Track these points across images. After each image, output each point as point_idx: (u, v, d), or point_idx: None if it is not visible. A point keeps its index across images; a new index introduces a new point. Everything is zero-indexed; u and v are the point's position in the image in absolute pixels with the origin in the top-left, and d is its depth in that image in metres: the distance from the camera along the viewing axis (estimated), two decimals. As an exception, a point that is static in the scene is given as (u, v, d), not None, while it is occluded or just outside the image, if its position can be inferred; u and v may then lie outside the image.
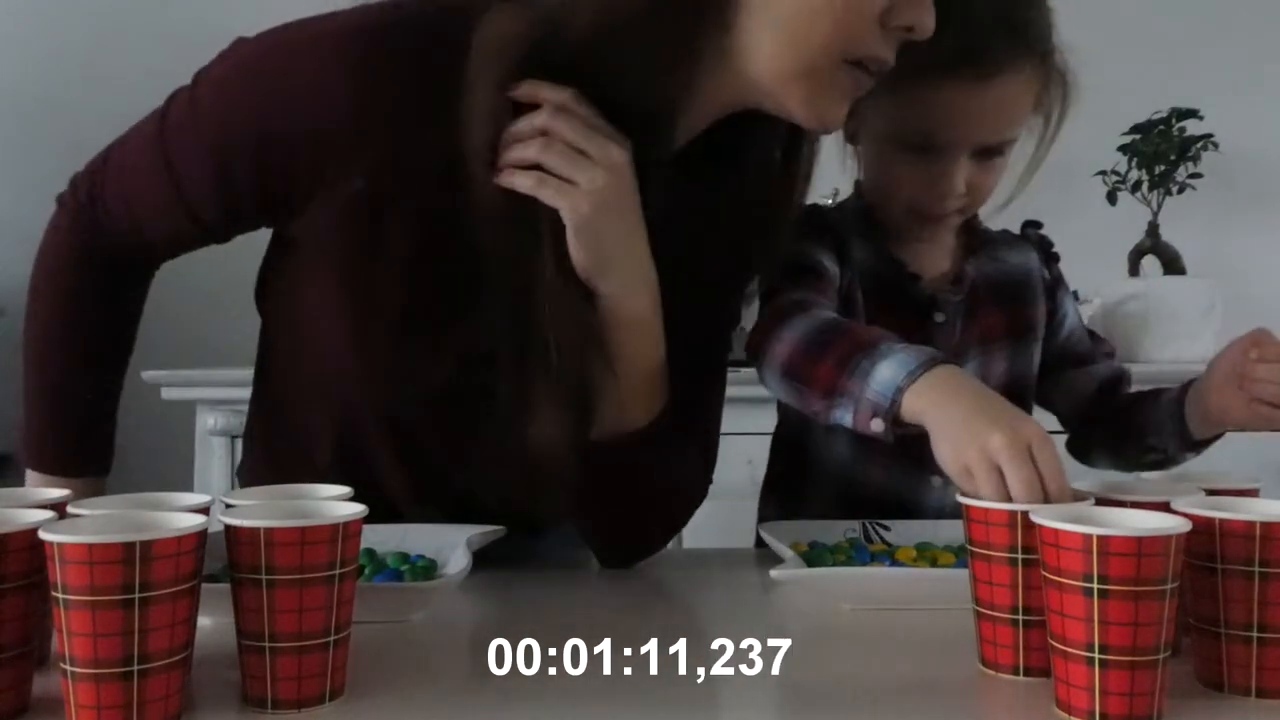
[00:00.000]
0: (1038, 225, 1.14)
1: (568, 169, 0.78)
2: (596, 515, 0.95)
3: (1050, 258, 1.13)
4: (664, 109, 0.82)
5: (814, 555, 0.91)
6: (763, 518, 1.11)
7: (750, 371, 0.92)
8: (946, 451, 0.74)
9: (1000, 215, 1.08)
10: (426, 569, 0.86)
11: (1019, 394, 1.09)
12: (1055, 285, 1.12)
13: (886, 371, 0.78)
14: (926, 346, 0.81)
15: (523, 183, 0.79)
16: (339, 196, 0.82)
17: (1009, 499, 0.69)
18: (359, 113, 0.80)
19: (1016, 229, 1.14)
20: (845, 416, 0.81)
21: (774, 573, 0.81)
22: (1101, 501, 0.68)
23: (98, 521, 0.59)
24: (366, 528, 0.64)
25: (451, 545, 0.88)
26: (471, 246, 0.82)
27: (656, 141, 0.83)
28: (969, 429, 0.72)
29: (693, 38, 0.80)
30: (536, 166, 0.79)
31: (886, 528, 0.98)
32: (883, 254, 1.05)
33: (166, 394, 1.87)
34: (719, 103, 0.86)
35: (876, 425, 0.78)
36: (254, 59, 0.84)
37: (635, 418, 0.88)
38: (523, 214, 0.80)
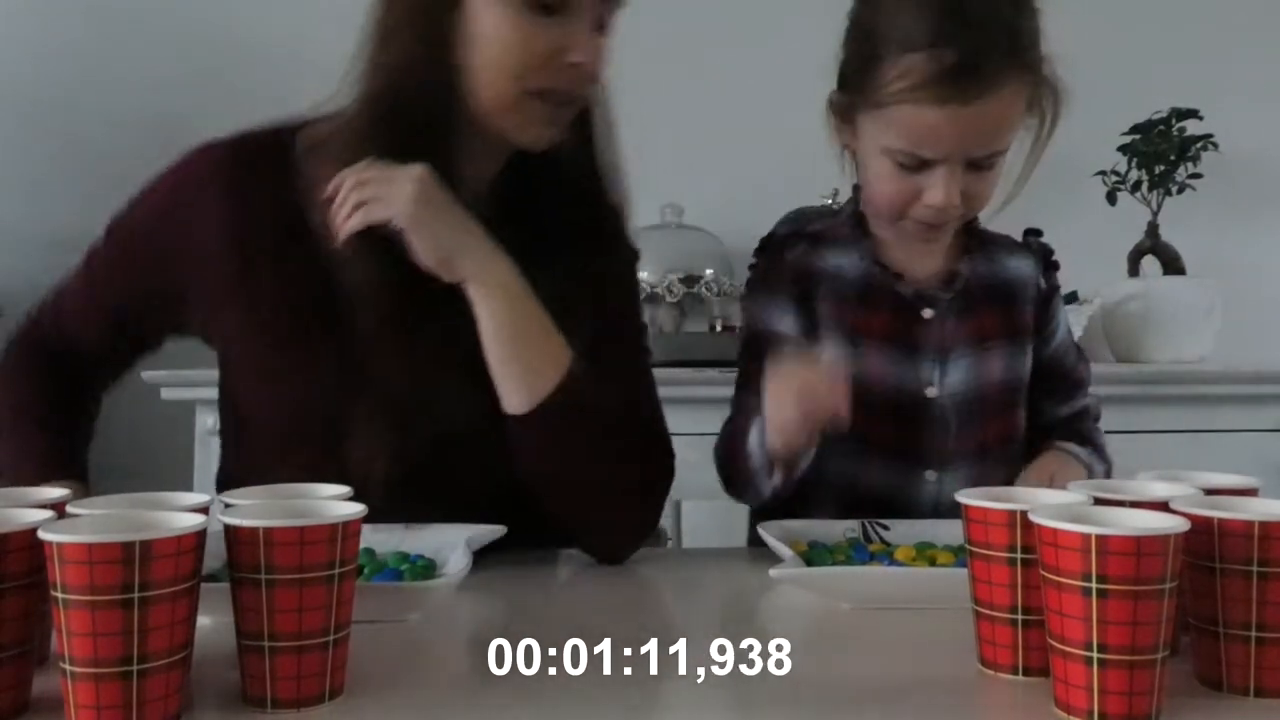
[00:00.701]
0: (1039, 233, 1.14)
1: (381, 191, 0.92)
2: (554, 497, 0.97)
3: (1050, 266, 1.13)
4: (449, 154, 0.95)
5: (813, 555, 0.91)
6: (755, 519, 1.11)
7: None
8: None
9: (999, 217, 1.08)
10: (426, 569, 0.86)
11: (1013, 394, 1.09)
12: (1051, 295, 1.12)
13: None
14: None
15: (353, 223, 0.92)
16: (220, 285, 0.99)
17: None
18: (224, 213, 1.00)
19: (1015, 231, 1.14)
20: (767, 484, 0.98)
21: (774, 572, 0.81)
22: (1100, 501, 0.68)
23: (97, 521, 0.59)
24: (366, 528, 0.64)
25: (451, 545, 0.88)
26: (328, 286, 0.95)
27: (458, 183, 0.95)
28: None
29: (449, 90, 0.95)
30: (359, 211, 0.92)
31: (886, 527, 0.98)
32: (871, 257, 1.08)
33: (166, 394, 1.87)
34: (490, 140, 0.98)
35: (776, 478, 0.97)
36: (151, 197, 1.05)
37: (546, 379, 0.94)
38: (363, 256, 0.93)
